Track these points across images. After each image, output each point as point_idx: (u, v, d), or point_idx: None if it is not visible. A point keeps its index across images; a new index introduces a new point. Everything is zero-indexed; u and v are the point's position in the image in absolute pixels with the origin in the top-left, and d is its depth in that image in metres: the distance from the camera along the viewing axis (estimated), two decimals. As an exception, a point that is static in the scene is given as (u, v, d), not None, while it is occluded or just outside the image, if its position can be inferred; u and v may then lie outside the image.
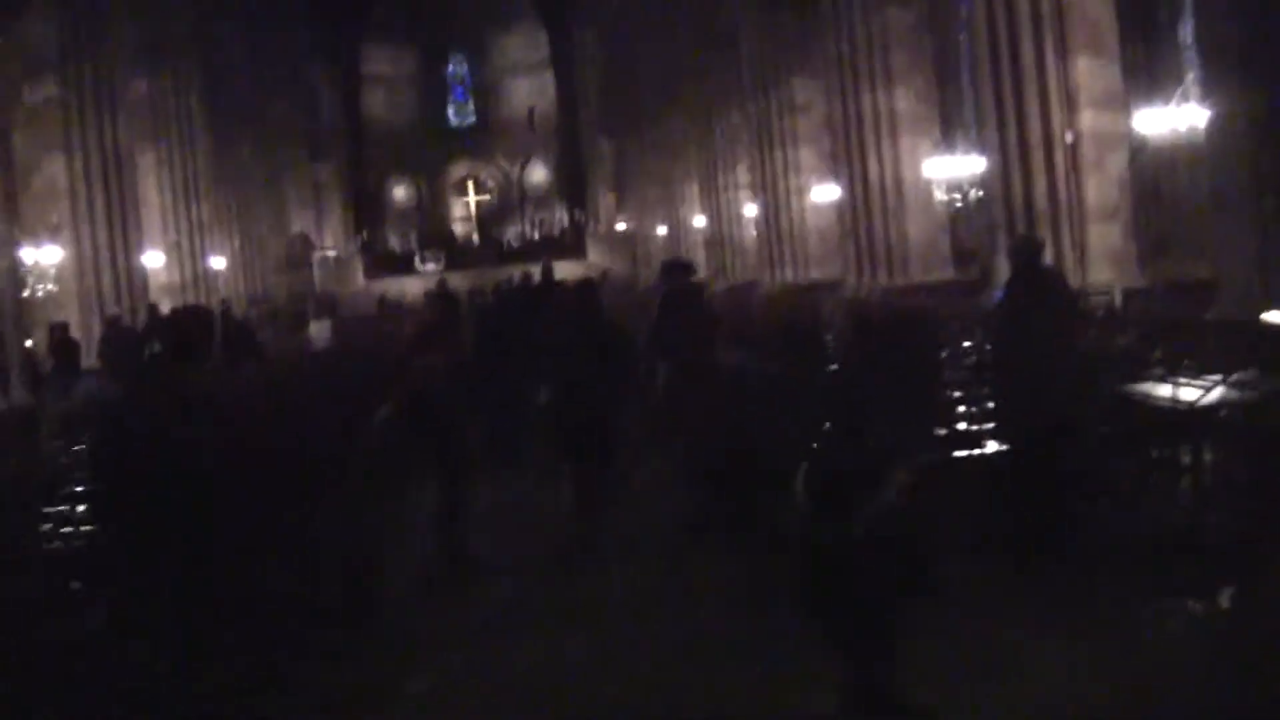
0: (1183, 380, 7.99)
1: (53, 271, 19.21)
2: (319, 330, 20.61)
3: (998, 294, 9.80)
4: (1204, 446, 7.65)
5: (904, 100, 21.34)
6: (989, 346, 9.64)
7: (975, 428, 8.33)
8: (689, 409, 8.94)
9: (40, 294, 19.27)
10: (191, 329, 5.96)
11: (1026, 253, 8.44)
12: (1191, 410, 7.47)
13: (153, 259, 24.39)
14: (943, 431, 8.32)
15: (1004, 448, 7.91)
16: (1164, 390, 8.00)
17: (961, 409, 9.00)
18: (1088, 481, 7.74)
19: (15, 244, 16.90)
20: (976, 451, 7.99)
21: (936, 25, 22.04)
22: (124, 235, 21.46)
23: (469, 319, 13.42)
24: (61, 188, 20.51)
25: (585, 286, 9.93)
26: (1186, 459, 7.72)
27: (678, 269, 10.47)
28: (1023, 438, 7.58)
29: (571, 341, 8.98)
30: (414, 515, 9.41)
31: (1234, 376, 7.81)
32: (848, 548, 5.06)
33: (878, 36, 21.34)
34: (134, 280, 21.72)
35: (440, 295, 8.98)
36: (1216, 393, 7.56)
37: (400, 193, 65.67)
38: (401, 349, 9.20)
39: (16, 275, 16.64)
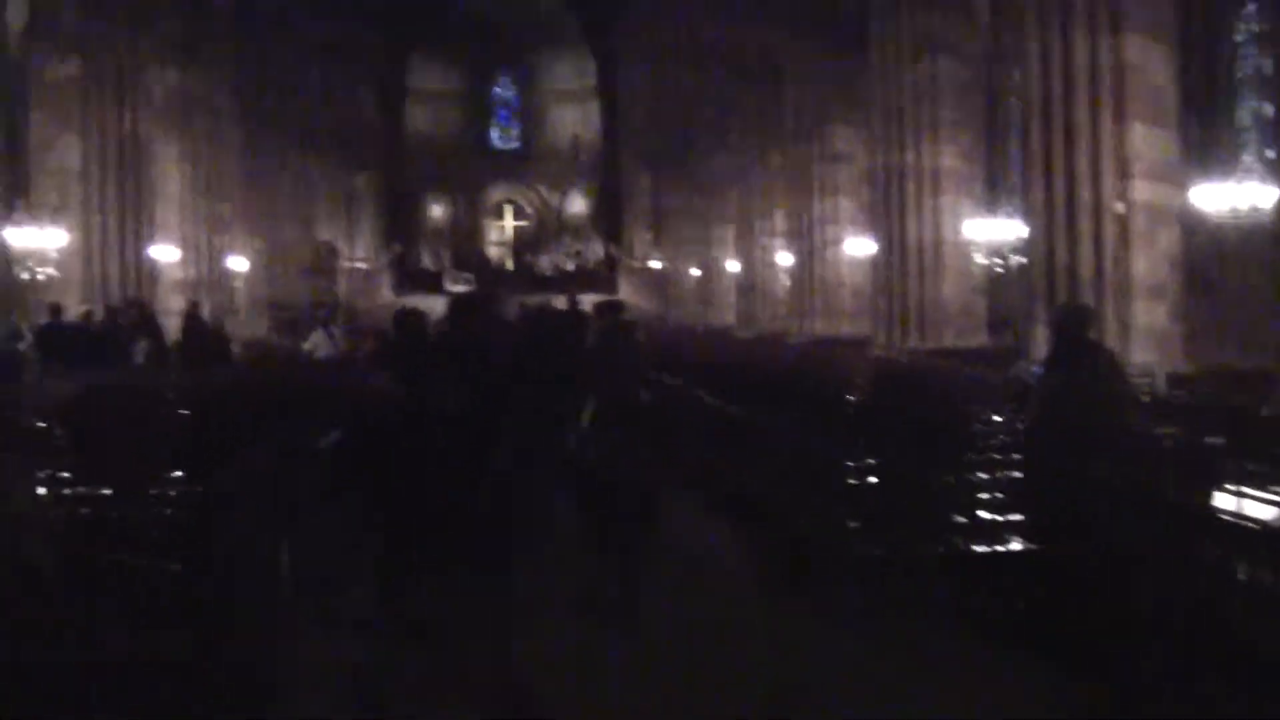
0: (1246, 490, 6.30)
1: (55, 255, 18.52)
2: (321, 339, 19.78)
3: (1036, 369, 8.93)
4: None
5: (949, 157, 20.55)
6: (1021, 426, 8.67)
7: (998, 518, 7.27)
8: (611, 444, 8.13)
9: (40, 277, 18.59)
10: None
11: (1074, 325, 7.62)
12: (1266, 531, 5.80)
13: (166, 253, 23.70)
14: (961, 519, 7.31)
15: (1031, 547, 6.82)
16: (1226, 499, 6.33)
17: (984, 495, 7.94)
18: (1133, 601, 6.28)
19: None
20: (1000, 548, 6.92)
21: (988, 82, 21.22)
22: (135, 224, 20.80)
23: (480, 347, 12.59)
24: (74, 169, 19.86)
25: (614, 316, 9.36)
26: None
27: (609, 308, 9.86)
28: (1056, 540, 6.47)
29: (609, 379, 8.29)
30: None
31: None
32: None
33: (927, 89, 20.58)
34: (141, 271, 21.04)
35: (408, 313, 8.06)
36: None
37: (436, 210, 65.11)
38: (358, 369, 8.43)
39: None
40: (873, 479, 8.23)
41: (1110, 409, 7.04)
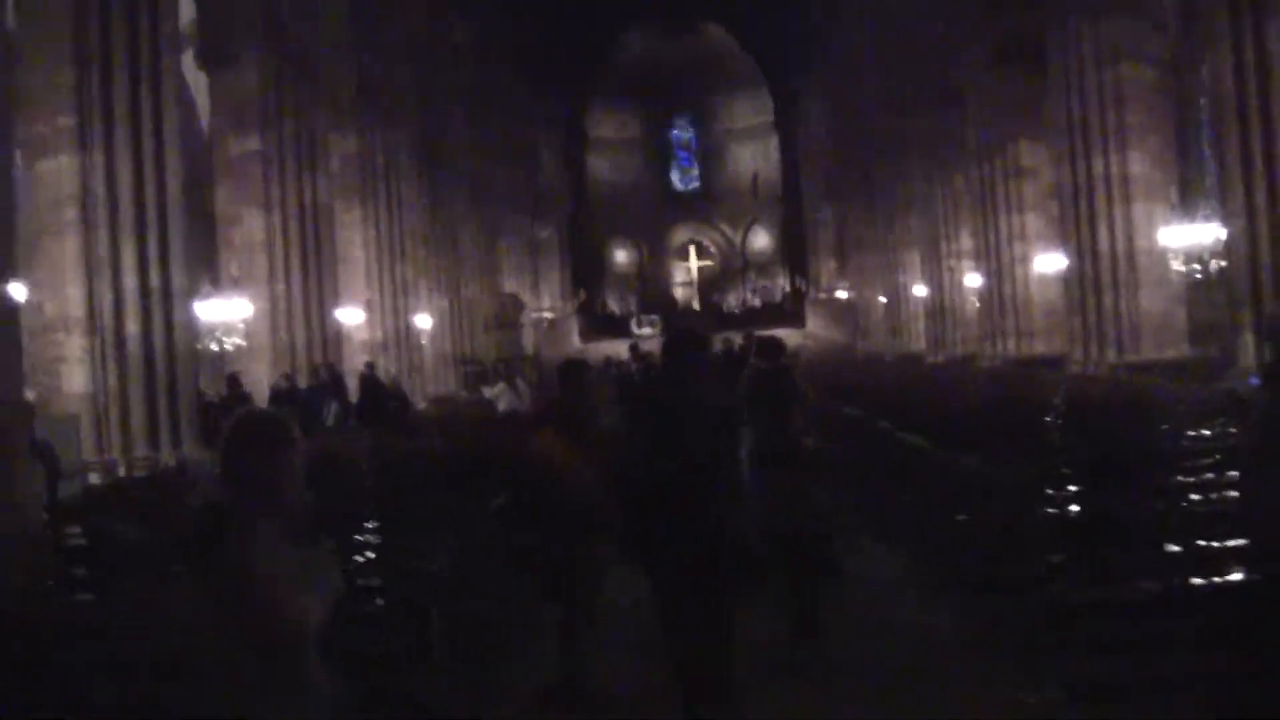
0: None
1: (242, 325, 18.95)
2: (503, 391, 19.79)
3: (1253, 379, 8.16)
4: None
5: (1138, 163, 19.67)
6: (1240, 444, 7.89)
7: (1217, 544, 6.45)
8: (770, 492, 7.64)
9: (229, 347, 19.04)
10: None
11: None
12: None
13: (351, 315, 24.16)
14: (1175, 548, 6.52)
15: (1255, 577, 6.02)
16: None
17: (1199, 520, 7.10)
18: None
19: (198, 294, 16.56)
20: (1219, 579, 6.07)
21: (1175, 82, 20.20)
22: (319, 290, 21.19)
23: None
24: (258, 240, 20.33)
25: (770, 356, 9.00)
26: None
27: (769, 348, 9.26)
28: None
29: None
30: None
31: None
32: None
33: (1111, 95, 19.78)
34: (327, 335, 21.40)
35: (569, 363, 7.75)
36: None
37: (621, 256, 65.60)
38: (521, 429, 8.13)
39: (193, 327, 16.30)
40: (1075, 507, 7.60)
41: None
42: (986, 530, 8.36)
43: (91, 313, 14.08)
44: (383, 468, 11.94)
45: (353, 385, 21.29)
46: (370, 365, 20.45)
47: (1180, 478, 8.02)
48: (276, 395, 18.22)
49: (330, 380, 19.56)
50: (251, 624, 3.34)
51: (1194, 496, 7.65)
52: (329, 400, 18.48)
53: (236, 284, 19.80)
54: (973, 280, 29.22)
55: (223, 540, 3.38)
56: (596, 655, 7.10)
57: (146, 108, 14.59)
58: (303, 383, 19.35)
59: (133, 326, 14.41)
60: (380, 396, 18.14)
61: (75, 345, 14.06)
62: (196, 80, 22.34)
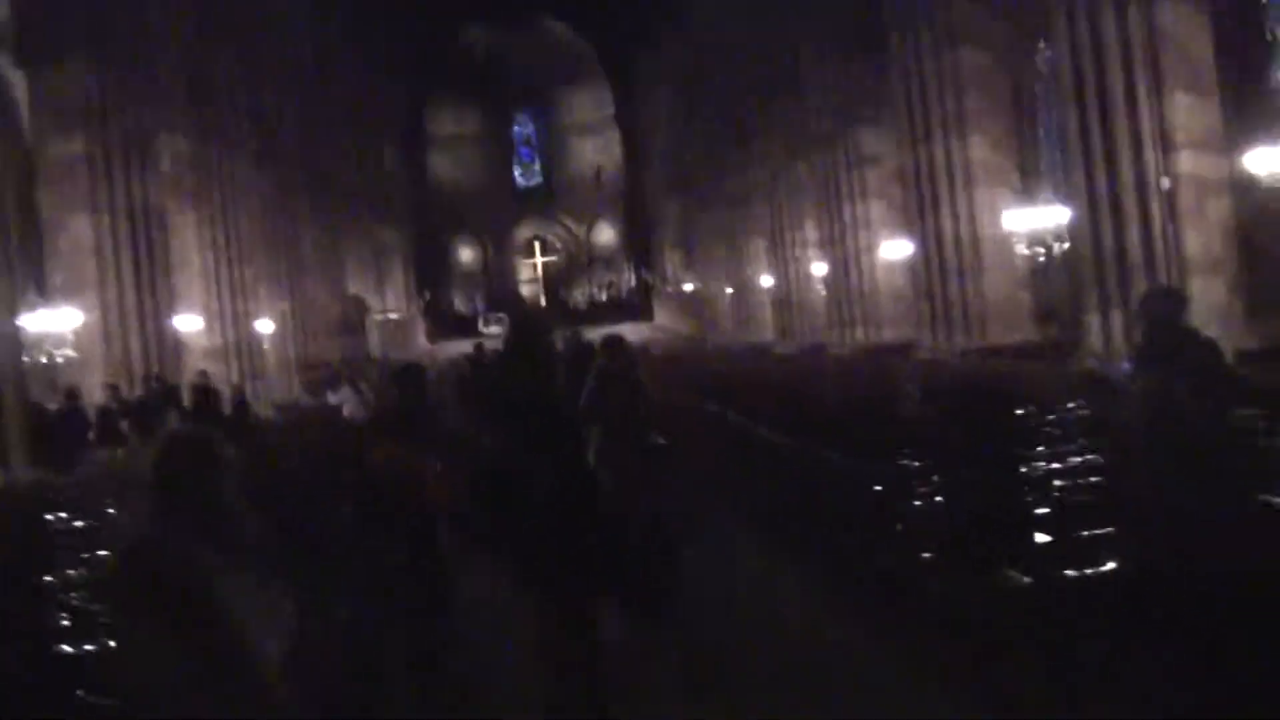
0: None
1: (71, 336, 18.03)
2: (348, 395, 19.22)
3: (1125, 365, 8.12)
4: None
5: (979, 148, 19.86)
6: (1116, 426, 7.81)
7: (1089, 533, 6.26)
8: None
9: (60, 359, 18.11)
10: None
11: (1167, 312, 6.85)
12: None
13: (190, 322, 23.28)
14: (1046, 538, 6.31)
15: (1130, 569, 5.82)
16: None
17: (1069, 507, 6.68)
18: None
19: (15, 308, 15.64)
20: (1097, 569, 5.87)
21: (1012, 65, 20.47)
22: (154, 296, 20.35)
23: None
24: (87, 247, 19.42)
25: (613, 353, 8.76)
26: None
27: (611, 346, 9.13)
28: (1174, 558, 5.45)
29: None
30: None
31: None
32: None
33: (950, 79, 19.93)
34: (164, 344, 20.57)
35: (406, 368, 7.38)
36: None
37: (466, 254, 65.01)
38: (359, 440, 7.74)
39: (17, 340, 15.44)
40: (940, 498, 7.44)
41: (1217, 405, 6.25)
42: (856, 525, 8.21)
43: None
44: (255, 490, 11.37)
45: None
46: (203, 373, 19.57)
47: (1048, 463, 7.87)
48: (105, 414, 17.43)
49: (162, 391, 18.68)
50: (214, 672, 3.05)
51: (1059, 483, 7.44)
52: (166, 411, 17.70)
53: (62, 292, 18.89)
54: (819, 269, 29.40)
55: (161, 584, 3.07)
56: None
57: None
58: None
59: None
60: (213, 406, 17.40)
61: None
62: (21, 81, 21.24)
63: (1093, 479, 6.89)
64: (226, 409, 18.21)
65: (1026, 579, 5.87)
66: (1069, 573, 5.70)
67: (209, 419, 16.80)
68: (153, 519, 3.24)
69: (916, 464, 8.18)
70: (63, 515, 9.61)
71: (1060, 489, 6.96)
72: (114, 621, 3.34)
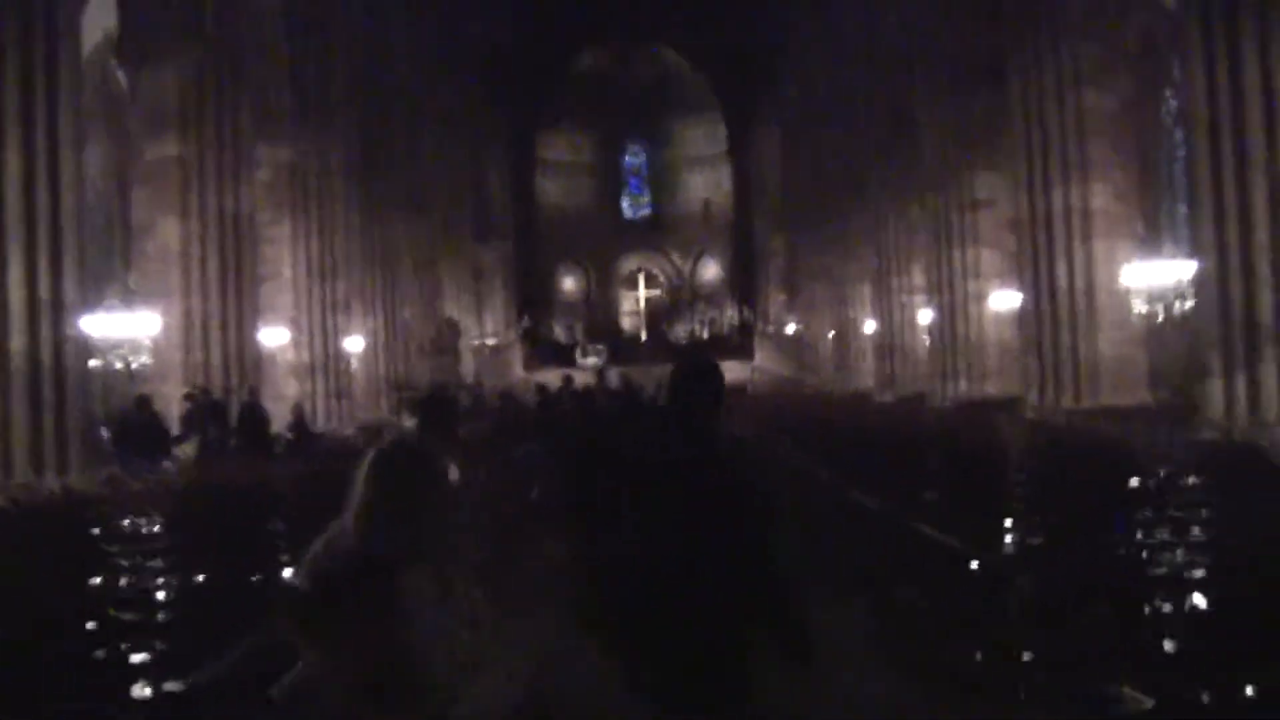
0: None
1: (148, 343, 17.55)
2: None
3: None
4: None
5: (1101, 196, 18.80)
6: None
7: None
8: None
9: (135, 366, 17.65)
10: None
11: None
12: None
13: (275, 336, 22.90)
14: (1170, 647, 5.09)
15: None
16: None
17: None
18: None
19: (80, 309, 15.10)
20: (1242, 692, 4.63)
21: (1140, 111, 19.38)
22: (239, 306, 19.88)
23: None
24: (174, 252, 19.02)
25: None
26: None
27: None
28: None
29: None
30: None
31: None
32: None
33: (1072, 124, 18.89)
34: (245, 356, 20.10)
35: (432, 399, 6.67)
36: None
37: (568, 282, 64.56)
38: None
39: (85, 345, 14.95)
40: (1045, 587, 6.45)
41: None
42: (958, 612, 7.19)
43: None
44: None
45: (281, 413, 20.19)
46: (253, 390, 18.93)
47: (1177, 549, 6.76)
48: (124, 423, 16.78)
49: (206, 406, 17.89)
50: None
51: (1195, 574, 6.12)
52: (200, 429, 17.04)
53: (143, 297, 18.48)
54: (924, 316, 28.37)
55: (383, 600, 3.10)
56: None
57: (40, 105, 13.46)
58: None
59: (17, 341, 13.25)
60: (259, 428, 16.76)
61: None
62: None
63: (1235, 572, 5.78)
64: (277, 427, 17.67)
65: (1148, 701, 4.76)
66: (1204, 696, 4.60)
67: (249, 442, 16.31)
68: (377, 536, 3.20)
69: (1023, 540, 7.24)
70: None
71: (1195, 582, 5.87)
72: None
